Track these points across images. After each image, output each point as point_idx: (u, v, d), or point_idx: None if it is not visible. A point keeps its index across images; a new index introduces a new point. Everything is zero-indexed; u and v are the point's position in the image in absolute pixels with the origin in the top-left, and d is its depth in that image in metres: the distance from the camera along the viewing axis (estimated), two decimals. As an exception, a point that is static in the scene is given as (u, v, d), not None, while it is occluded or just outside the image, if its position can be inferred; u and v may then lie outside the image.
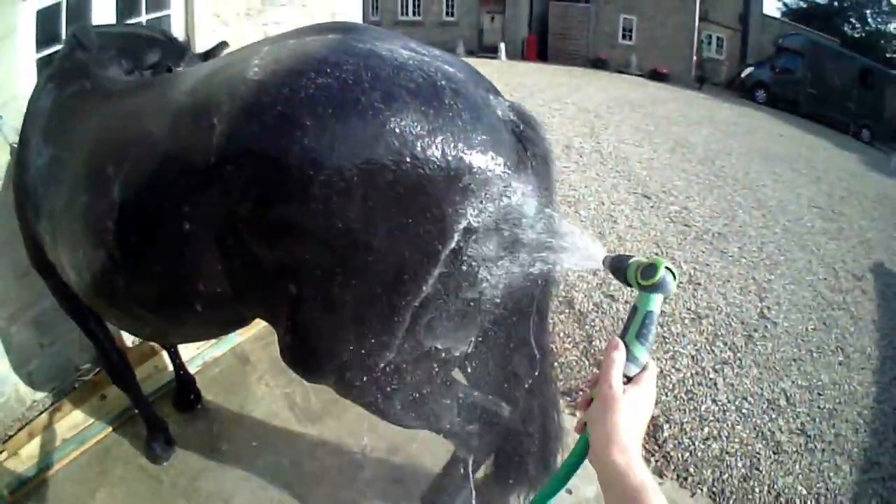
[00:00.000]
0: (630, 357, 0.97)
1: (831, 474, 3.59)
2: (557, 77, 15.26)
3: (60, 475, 2.40)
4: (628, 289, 4.49)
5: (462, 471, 2.12)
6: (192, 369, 2.99)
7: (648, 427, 3.32)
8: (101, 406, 2.58)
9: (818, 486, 3.50)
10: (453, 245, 1.21)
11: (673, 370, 4.08)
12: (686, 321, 4.56)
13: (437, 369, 1.49)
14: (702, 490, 3.37)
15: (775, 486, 3.45)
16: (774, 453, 3.66)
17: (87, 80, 1.86)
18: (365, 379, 1.40)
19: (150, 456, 2.48)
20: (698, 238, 5.84)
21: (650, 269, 1.00)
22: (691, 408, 3.84)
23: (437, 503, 2.33)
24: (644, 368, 0.99)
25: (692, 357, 4.23)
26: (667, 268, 1.00)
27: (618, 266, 1.10)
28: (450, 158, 1.14)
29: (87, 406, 2.54)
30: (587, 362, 4.00)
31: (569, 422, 3.58)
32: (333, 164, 1.10)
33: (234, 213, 1.21)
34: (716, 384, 4.06)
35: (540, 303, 1.65)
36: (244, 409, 2.98)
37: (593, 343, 4.13)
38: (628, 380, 0.96)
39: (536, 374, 1.75)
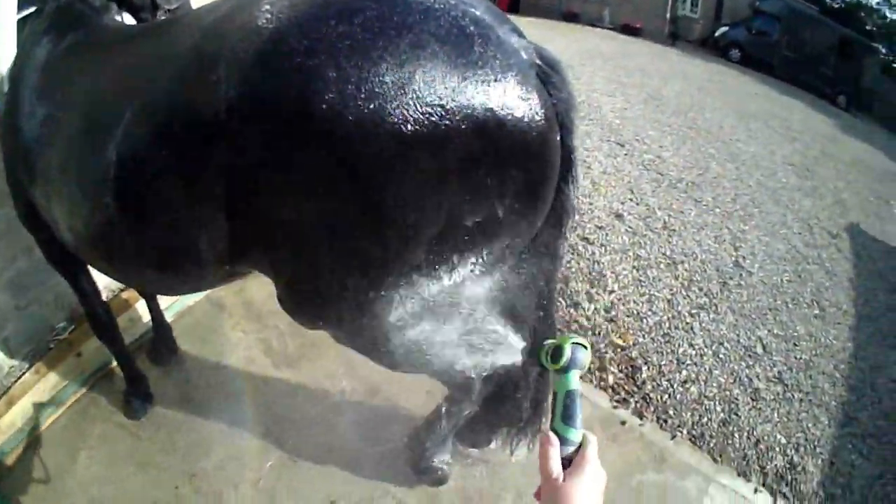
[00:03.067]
0: (563, 441, 0.99)
1: (810, 425, 3.66)
2: (529, 30, 14.43)
3: (41, 441, 2.40)
4: (602, 232, 4.56)
5: (452, 414, 2.14)
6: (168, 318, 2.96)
7: (628, 369, 3.35)
8: (77, 364, 2.59)
9: (797, 435, 3.57)
10: (480, 198, 1.19)
11: (649, 313, 4.07)
12: (661, 266, 4.56)
13: (446, 312, 1.46)
14: (681, 433, 3.39)
15: (754, 433, 3.50)
16: (752, 399, 3.71)
17: (82, 30, 1.79)
18: (374, 326, 1.40)
19: (127, 412, 2.50)
20: (672, 186, 5.85)
21: (557, 351, 1.05)
22: (668, 350, 3.85)
23: (423, 446, 2.34)
24: (581, 445, 1.00)
25: (668, 301, 4.24)
26: (574, 343, 1.04)
27: (534, 353, 1.15)
28: (482, 108, 1.10)
29: (63, 366, 2.55)
30: (564, 303, 3.99)
31: None
32: (359, 118, 1.05)
33: (245, 170, 1.18)
34: (692, 328, 4.08)
35: (553, 240, 1.60)
36: (220, 357, 2.96)
37: (570, 285, 4.11)
38: (570, 461, 0.98)
39: (542, 314, 1.72)
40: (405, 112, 1.05)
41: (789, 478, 3.36)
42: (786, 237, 5.60)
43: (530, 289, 1.62)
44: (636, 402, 3.52)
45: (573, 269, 4.24)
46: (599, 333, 3.82)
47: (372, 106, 1.04)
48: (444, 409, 2.16)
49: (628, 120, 7.08)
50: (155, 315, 2.78)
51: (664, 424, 3.45)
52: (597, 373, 3.61)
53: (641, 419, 3.44)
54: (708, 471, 3.28)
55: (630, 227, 4.88)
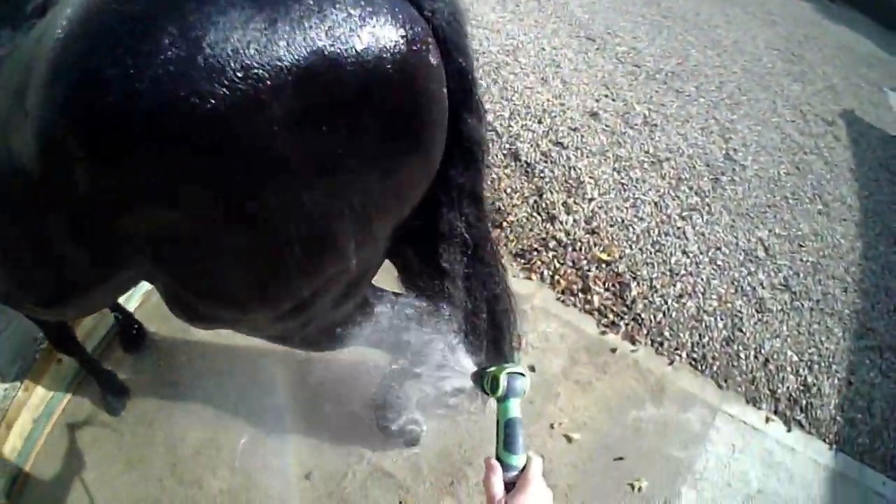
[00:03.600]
0: (506, 468, 1.00)
1: (822, 339, 3.24)
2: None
3: (41, 459, 2.34)
4: (577, 134, 3.95)
5: (405, 373, 2.10)
6: (131, 306, 2.81)
7: (616, 287, 2.85)
8: (59, 372, 2.55)
9: (809, 351, 3.15)
10: (344, 155, 1.05)
11: (635, 219, 3.57)
12: (645, 165, 4.03)
13: (349, 291, 1.43)
14: (680, 357, 2.94)
15: (762, 351, 3.06)
16: (758, 312, 3.25)
17: None
18: (280, 319, 1.36)
19: (107, 410, 2.48)
20: (650, 78, 5.27)
21: (493, 382, 1.07)
22: (660, 261, 3.36)
23: (387, 407, 2.32)
24: (523, 469, 1.00)
25: (655, 204, 3.74)
26: (510, 373, 1.06)
27: (477, 380, 1.18)
28: (307, 51, 0.93)
29: (47, 377, 2.52)
30: (539, 218, 3.49)
31: (524, 287, 3.08)
32: (160, 107, 0.89)
33: (79, 196, 1.01)
34: (685, 233, 3.58)
35: (469, 181, 1.41)
36: (186, 335, 2.76)
37: (544, 196, 3.60)
38: (513, 485, 0.99)
39: (472, 267, 1.59)
40: (208, 85, 0.88)
41: (803, 402, 2.94)
42: (778, 126, 5.08)
43: (444, 241, 1.46)
44: (627, 324, 3.04)
45: (547, 179, 3.71)
46: (580, 249, 3.31)
47: (171, 89, 0.88)
48: (394, 370, 2.12)
49: (597, 13, 6.43)
50: (115, 307, 2.65)
51: (660, 348, 2.98)
52: (580, 294, 3.12)
53: (634, 344, 2.97)
54: (713, 400, 2.84)
55: (607, 125, 4.31)
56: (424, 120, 1.13)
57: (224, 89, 0.89)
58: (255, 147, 0.94)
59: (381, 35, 0.99)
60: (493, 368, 1.12)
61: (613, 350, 2.93)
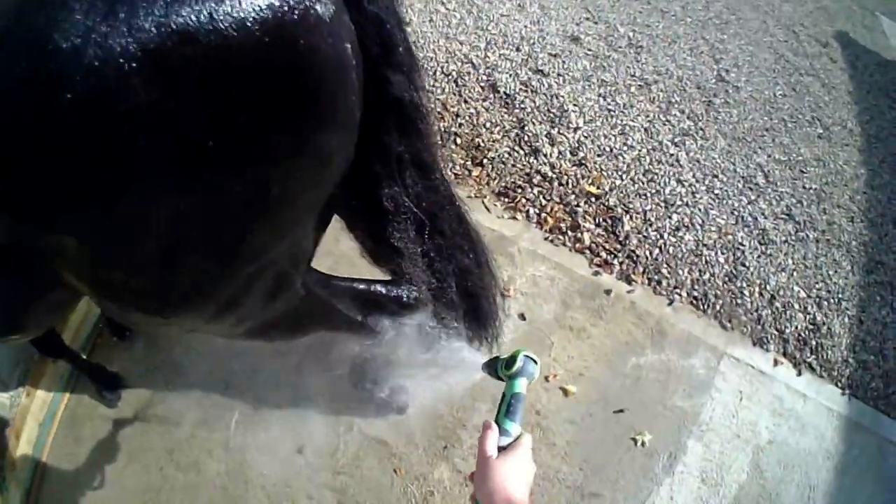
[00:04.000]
0: (503, 432, 1.07)
1: (830, 272, 2.99)
2: None
3: (50, 465, 2.23)
4: (558, 60, 3.53)
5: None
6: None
7: (607, 222, 2.57)
8: (56, 371, 2.44)
9: (817, 286, 2.90)
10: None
11: (624, 147, 3.26)
12: (632, 89, 3.71)
13: (281, 284, 1.27)
14: (680, 296, 2.68)
15: (767, 287, 2.81)
16: (761, 244, 2.99)
17: None
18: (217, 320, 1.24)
19: (105, 403, 2.40)
20: (633, -2, 4.89)
21: (511, 360, 1.18)
22: (653, 191, 3.07)
23: (367, 377, 2.26)
24: (517, 439, 1.07)
25: (645, 130, 3.44)
26: (526, 356, 1.18)
27: (491, 367, 1.28)
28: (161, 24, 0.80)
29: (46, 379, 2.41)
30: (522, 152, 3.17)
31: (509, 228, 2.79)
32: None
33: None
34: (678, 160, 3.29)
35: (407, 155, 1.26)
36: None
37: (526, 129, 3.28)
38: (503, 450, 1.05)
39: (432, 242, 1.46)
40: (56, 86, 0.77)
41: (813, 342, 2.71)
42: (771, 46, 4.76)
43: (392, 218, 1.34)
44: (621, 262, 2.76)
45: (528, 110, 3.39)
46: (567, 182, 3.01)
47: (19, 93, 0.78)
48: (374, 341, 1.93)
49: (571, -69, 5.95)
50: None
51: (658, 287, 2.71)
52: (570, 232, 2.84)
53: (630, 284, 2.70)
54: (717, 342, 2.60)
55: (589, 49, 3.97)
56: (318, 85, 0.95)
57: (73, 86, 0.77)
58: (120, 142, 0.82)
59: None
60: (506, 355, 1.21)
61: (608, 292, 2.66)
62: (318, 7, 0.89)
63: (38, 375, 2.49)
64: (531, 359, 1.19)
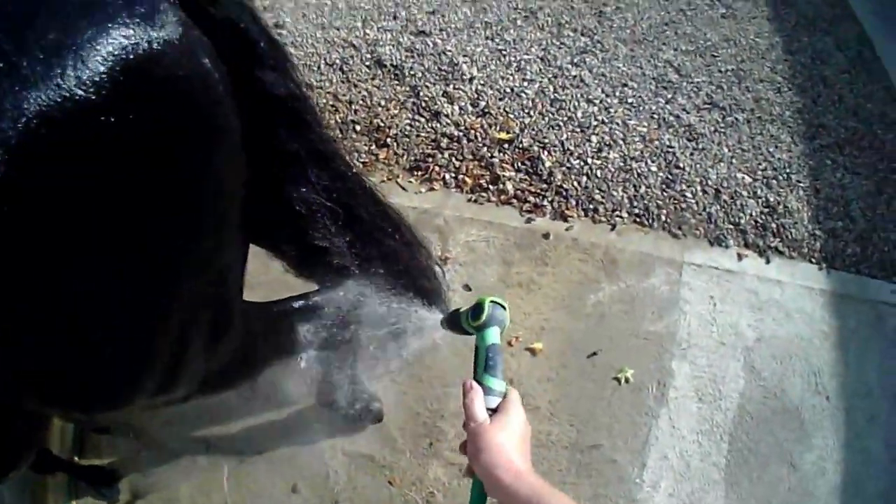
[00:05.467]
0: (487, 391, 0.99)
1: (771, 149, 2.85)
2: None
3: None
4: (436, 16, 3.49)
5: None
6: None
7: (526, 164, 2.40)
8: (56, 484, 2.35)
9: (761, 167, 2.77)
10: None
11: (524, 83, 3.10)
12: (518, 22, 3.52)
13: (218, 326, 1.18)
14: (621, 217, 2.54)
15: (709, 182, 2.69)
16: (690, 140, 2.85)
17: None
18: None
19: (107, 501, 2.33)
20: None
21: (477, 309, 1.08)
22: (565, 119, 2.91)
23: (334, 393, 2.14)
24: (504, 396, 0.99)
25: (542, 59, 3.27)
26: (493, 302, 1.08)
27: (453, 321, 1.19)
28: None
29: (51, 493, 2.30)
30: (423, 119, 2.99)
31: (429, 200, 2.64)
32: None
33: None
34: (582, 80, 3.12)
35: (304, 150, 1.20)
36: None
37: (421, 94, 3.10)
38: (493, 412, 0.98)
39: (353, 230, 1.38)
40: None
41: (773, 225, 2.57)
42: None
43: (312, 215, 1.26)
44: (551, 202, 2.59)
45: (418, 75, 3.20)
46: (476, 137, 2.82)
47: None
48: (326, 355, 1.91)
49: None
50: None
51: (596, 216, 2.56)
52: (491, 187, 2.67)
53: (567, 221, 2.54)
54: (672, 254, 2.46)
55: (466, -7, 3.76)
56: (192, 111, 0.89)
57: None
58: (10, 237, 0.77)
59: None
60: (467, 307, 1.13)
61: (546, 236, 2.49)
62: (160, 34, 0.82)
63: (43, 493, 2.45)
64: (499, 304, 1.09)
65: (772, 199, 2.63)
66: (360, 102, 3.08)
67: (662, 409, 2.17)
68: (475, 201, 2.62)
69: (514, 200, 2.60)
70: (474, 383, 1.00)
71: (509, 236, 2.50)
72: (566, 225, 2.52)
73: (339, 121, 3.01)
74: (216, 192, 0.99)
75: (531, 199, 2.59)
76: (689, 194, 2.62)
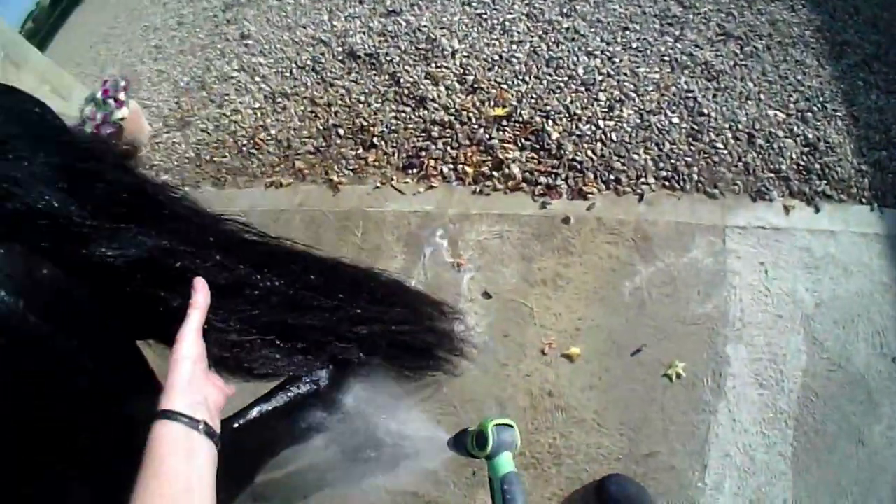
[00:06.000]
0: None
1: (799, 77, 2.64)
2: None
3: None
4: None
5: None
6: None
7: (531, 139, 2.34)
8: None
9: (792, 99, 2.57)
10: None
11: (513, 46, 2.86)
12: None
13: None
14: (648, 184, 2.33)
15: (739, 126, 2.49)
16: (710, 80, 2.65)
17: None
18: None
19: None
20: None
21: (481, 437, 1.00)
22: (565, 78, 2.68)
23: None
24: None
25: (528, 16, 3.04)
26: (497, 425, 1.00)
27: (459, 444, 1.09)
28: None
29: None
30: (408, 109, 2.77)
31: (429, 201, 2.38)
32: None
33: None
34: (577, 32, 2.88)
35: (189, 238, 1.01)
36: None
37: (402, 81, 2.88)
38: None
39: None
40: None
41: (817, 166, 2.29)
42: None
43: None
44: (566, 179, 2.34)
45: (395, 60, 2.98)
46: (470, 118, 2.58)
47: None
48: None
49: None
50: None
51: (619, 187, 2.31)
52: (495, 173, 2.45)
53: (587, 199, 2.27)
54: (712, 218, 2.20)
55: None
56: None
57: None
58: None
59: None
60: (474, 428, 1.04)
61: (566, 221, 2.23)
62: None
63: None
64: (504, 425, 1.01)
65: (810, 136, 2.33)
66: (340, 102, 2.88)
67: (720, 402, 1.93)
68: (481, 192, 2.37)
69: (524, 185, 2.34)
70: None
71: (525, 227, 2.24)
72: (587, 203, 2.25)
73: (321, 127, 2.83)
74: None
75: (542, 179, 2.33)
76: (719, 144, 2.33)
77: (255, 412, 1.27)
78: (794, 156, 2.29)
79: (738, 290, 2.05)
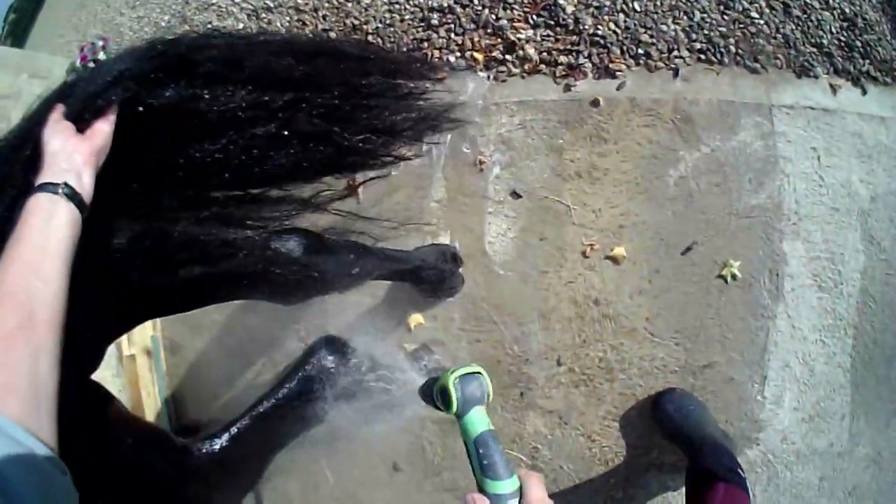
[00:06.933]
0: (494, 499, 0.76)
1: None
2: None
3: None
4: None
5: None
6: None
7: (543, 15, 2.12)
8: None
9: None
10: None
11: None
12: None
13: None
14: (682, 57, 2.04)
15: None
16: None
17: None
18: None
19: None
20: None
21: (444, 394, 0.85)
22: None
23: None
24: (519, 490, 0.77)
25: None
26: (462, 376, 0.84)
27: (427, 394, 0.92)
28: None
29: None
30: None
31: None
32: None
33: None
34: None
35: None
36: None
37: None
38: None
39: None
40: None
41: (858, 44, 2.07)
42: None
43: None
44: (589, 56, 2.03)
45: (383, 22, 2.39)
46: (483, 24, 2.14)
47: None
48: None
49: None
50: None
51: (649, 61, 2.00)
52: (508, 57, 2.11)
53: (615, 76, 1.97)
54: (756, 96, 1.97)
55: None
56: None
57: None
58: None
59: None
60: (438, 379, 0.87)
61: (595, 104, 1.93)
62: None
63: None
64: (470, 374, 0.85)
65: (847, 11, 2.10)
66: (326, 5, 2.48)
67: (779, 305, 1.78)
68: (496, 79, 2.04)
69: (543, 67, 2.01)
70: (476, 497, 0.78)
71: (550, 115, 1.94)
72: (616, 83, 1.95)
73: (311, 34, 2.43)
74: None
75: (563, 59, 2.00)
76: (754, 13, 2.05)
77: (247, 419, 1.31)
78: (833, 30, 2.06)
79: (792, 178, 1.86)
